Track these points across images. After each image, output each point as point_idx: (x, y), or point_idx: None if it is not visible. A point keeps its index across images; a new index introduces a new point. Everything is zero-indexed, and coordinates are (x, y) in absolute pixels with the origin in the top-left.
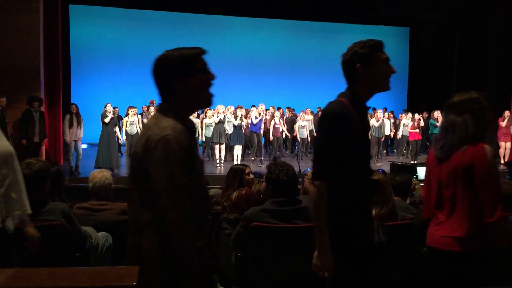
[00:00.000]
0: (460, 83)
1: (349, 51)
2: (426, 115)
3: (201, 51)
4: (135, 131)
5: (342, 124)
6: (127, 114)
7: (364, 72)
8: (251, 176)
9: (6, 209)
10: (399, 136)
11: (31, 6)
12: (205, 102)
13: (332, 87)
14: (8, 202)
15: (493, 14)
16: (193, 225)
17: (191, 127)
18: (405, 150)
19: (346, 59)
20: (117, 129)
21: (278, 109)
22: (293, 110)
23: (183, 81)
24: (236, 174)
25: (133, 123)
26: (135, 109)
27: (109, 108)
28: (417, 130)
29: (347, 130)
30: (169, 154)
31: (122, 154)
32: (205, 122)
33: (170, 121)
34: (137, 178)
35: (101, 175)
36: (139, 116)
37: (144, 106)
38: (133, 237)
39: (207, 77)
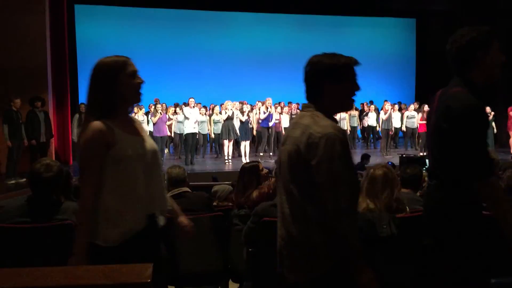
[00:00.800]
0: None
1: (463, 38)
2: (427, 108)
3: (355, 62)
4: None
5: (484, 117)
6: (135, 113)
7: (484, 59)
8: (265, 170)
9: (159, 205)
10: (403, 128)
11: (37, 7)
12: (346, 107)
13: None
14: (160, 198)
15: (500, 4)
16: (352, 216)
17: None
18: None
19: (462, 45)
20: None
21: (289, 103)
22: (298, 104)
23: (334, 85)
24: (252, 172)
25: (143, 122)
26: (143, 108)
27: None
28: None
29: (486, 123)
30: (332, 150)
31: None
32: (213, 119)
33: (327, 120)
34: (297, 172)
35: None
36: (145, 116)
37: (151, 105)
38: (287, 226)
39: (354, 87)
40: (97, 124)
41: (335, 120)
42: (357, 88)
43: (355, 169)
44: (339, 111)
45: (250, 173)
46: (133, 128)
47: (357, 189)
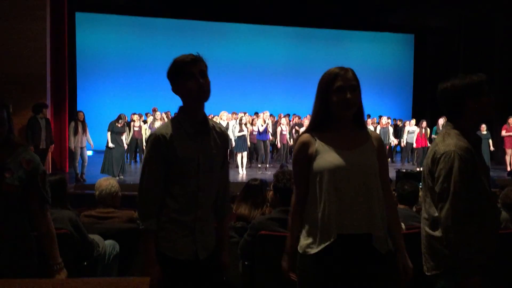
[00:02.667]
0: None
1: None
2: (425, 124)
3: (486, 79)
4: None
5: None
6: (132, 121)
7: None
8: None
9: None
10: (403, 143)
11: (38, 14)
12: (487, 118)
13: None
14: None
15: (497, 21)
16: (460, 228)
17: (475, 141)
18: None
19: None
20: (124, 136)
21: (286, 116)
22: (299, 117)
23: (475, 101)
24: (261, 191)
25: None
26: (142, 116)
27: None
28: (424, 137)
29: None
30: (450, 166)
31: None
32: None
33: (453, 139)
34: (427, 183)
35: (107, 183)
36: (143, 124)
37: (148, 114)
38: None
39: (490, 100)
40: None
41: (475, 135)
42: (492, 99)
43: (483, 184)
44: (483, 122)
45: (258, 191)
46: None
47: (473, 205)
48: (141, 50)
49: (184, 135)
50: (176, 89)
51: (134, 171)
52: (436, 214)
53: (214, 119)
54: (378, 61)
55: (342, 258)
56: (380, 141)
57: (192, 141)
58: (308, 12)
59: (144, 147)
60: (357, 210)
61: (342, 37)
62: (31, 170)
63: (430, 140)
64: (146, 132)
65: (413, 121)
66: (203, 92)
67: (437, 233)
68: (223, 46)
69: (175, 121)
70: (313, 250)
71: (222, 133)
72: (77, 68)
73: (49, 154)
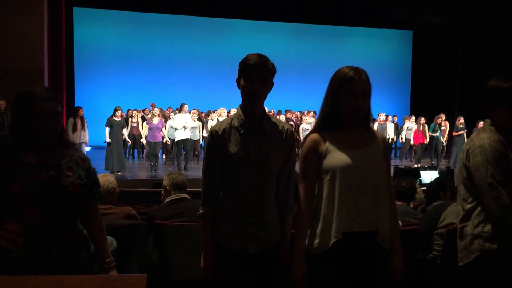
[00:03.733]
0: (463, 86)
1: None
2: (423, 121)
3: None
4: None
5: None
6: (130, 116)
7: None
8: None
9: None
10: (402, 140)
11: (36, 9)
12: None
13: None
14: None
15: (496, 17)
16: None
17: (510, 136)
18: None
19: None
20: (124, 131)
21: (286, 111)
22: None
23: (496, 106)
24: None
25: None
26: (141, 112)
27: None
28: (423, 134)
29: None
30: (485, 158)
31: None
32: (210, 125)
33: (487, 133)
34: (462, 176)
35: (104, 179)
36: (140, 120)
37: (147, 110)
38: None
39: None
40: None
41: (509, 132)
42: None
43: None
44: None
45: None
46: None
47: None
48: (139, 46)
49: (235, 131)
50: (238, 83)
51: (131, 167)
52: (469, 206)
53: (213, 116)
54: (376, 57)
55: (349, 255)
56: (385, 141)
57: (244, 138)
58: (305, 8)
59: (142, 143)
60: (365, 207)
61: (340, 33)
62: (88, 168)
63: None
64: (144, 128)
65: (413, 118)
66: (255, 96)
67: (468, 225)
68: (221, 41)
69: (231, 118)
70: (322, 249)
71: (285, 132)
72: (75, 64)
73: None
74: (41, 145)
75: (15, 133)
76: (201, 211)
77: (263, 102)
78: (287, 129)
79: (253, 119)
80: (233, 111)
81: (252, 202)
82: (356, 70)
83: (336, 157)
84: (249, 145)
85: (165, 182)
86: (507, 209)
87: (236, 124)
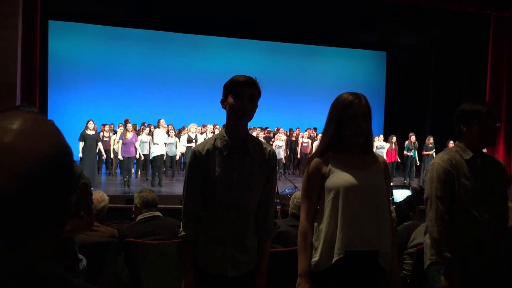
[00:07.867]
0: (435, 106)
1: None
2: (394, 140)
3: (492, 109)
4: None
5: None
6: (102, 131)
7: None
8: None
9: None
10: None
11: (10, 22)
12: (488, 144)
13: (309, 108)
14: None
15: (467, 39)
16: (441, 226)
17: (470, 158)
18: None
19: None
20: (100, 144)
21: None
22: (270, 130)
23: (468, 127)
24: None
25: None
26: (112, 126)
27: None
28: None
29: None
30: (433, 175)
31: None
32: (182, 140)
33: (444, 153)
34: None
35: (98, 195)
36: (112, 134)
37: (120, 124)
38: None
39: (488, 127)
40: None
41: (477, 152)
42: (488, 128)
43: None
44: (484, 147)
45: None
46: None
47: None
48: (114, 60)
49: (218, 152)
50: (223, 103)
51: (102, 182)
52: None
53: (184, 131)
54: (351, 76)
55: (350, 274)
56: (385, 163)
57: (227, 159)
58: (281, 26)
59: (112, 158)
60: (367, 227)
61: (315, 53)
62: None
63: (401, 156)
64: (115, 143)
65: (382, 137)
66: (244, 114)
67: (426, 237)
68: (196, 58)
69: (214, 138)
70: (325, 266)
71: (267, 153)
72: (49, 77)
73: None
74: None
75: None
76: (183, 233)
77: (247, 123)
78: (270, 150)
79: (237, 139)
80: (209, 127)
81: (234, 224)
82: (356, 94)
83: (340, 177)
84: (232, 167)
85: (135, 200)
86: (436, 221)
87: (219, 145)
